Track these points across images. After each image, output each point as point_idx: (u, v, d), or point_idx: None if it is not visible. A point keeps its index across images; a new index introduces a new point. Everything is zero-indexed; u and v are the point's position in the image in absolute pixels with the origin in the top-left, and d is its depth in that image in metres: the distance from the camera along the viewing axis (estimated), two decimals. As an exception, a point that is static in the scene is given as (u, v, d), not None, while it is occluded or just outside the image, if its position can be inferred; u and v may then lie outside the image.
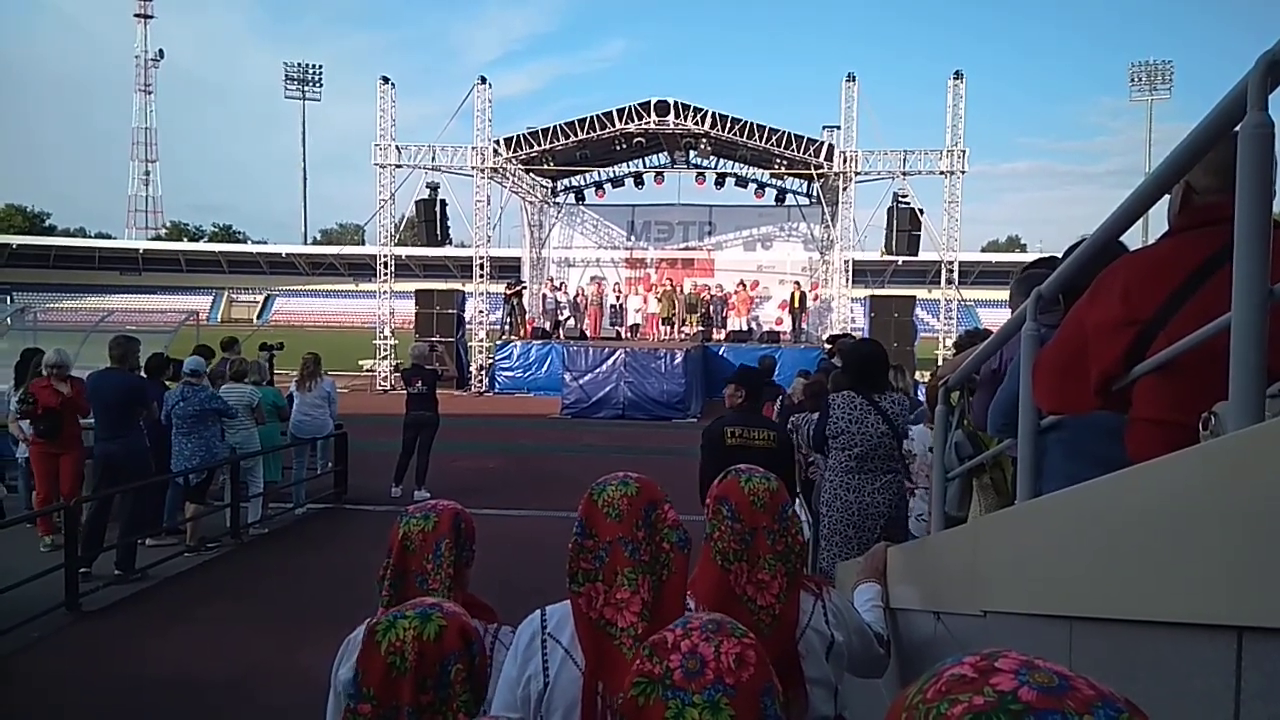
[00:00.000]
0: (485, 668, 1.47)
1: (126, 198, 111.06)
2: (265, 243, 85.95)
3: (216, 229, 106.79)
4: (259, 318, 69.26)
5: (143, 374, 8.17)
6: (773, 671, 1.09)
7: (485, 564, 2.40)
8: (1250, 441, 1.13)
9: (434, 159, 23.94)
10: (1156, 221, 1.91)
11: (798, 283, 25.77)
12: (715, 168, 26.43)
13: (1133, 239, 2.18)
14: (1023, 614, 1.82)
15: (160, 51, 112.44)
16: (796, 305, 24.74)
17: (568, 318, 25.35)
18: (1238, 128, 1.33)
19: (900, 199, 23.00)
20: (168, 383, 8.67)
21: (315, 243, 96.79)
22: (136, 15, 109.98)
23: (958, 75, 22.64)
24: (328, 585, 7.10)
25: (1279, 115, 1.31)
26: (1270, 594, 1.01)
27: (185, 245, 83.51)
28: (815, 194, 25.89)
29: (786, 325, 25.79)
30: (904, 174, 22.99)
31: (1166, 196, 1.81)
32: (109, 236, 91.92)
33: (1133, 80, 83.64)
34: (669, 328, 24.50)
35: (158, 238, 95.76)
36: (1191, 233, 1.77)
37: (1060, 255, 2.56)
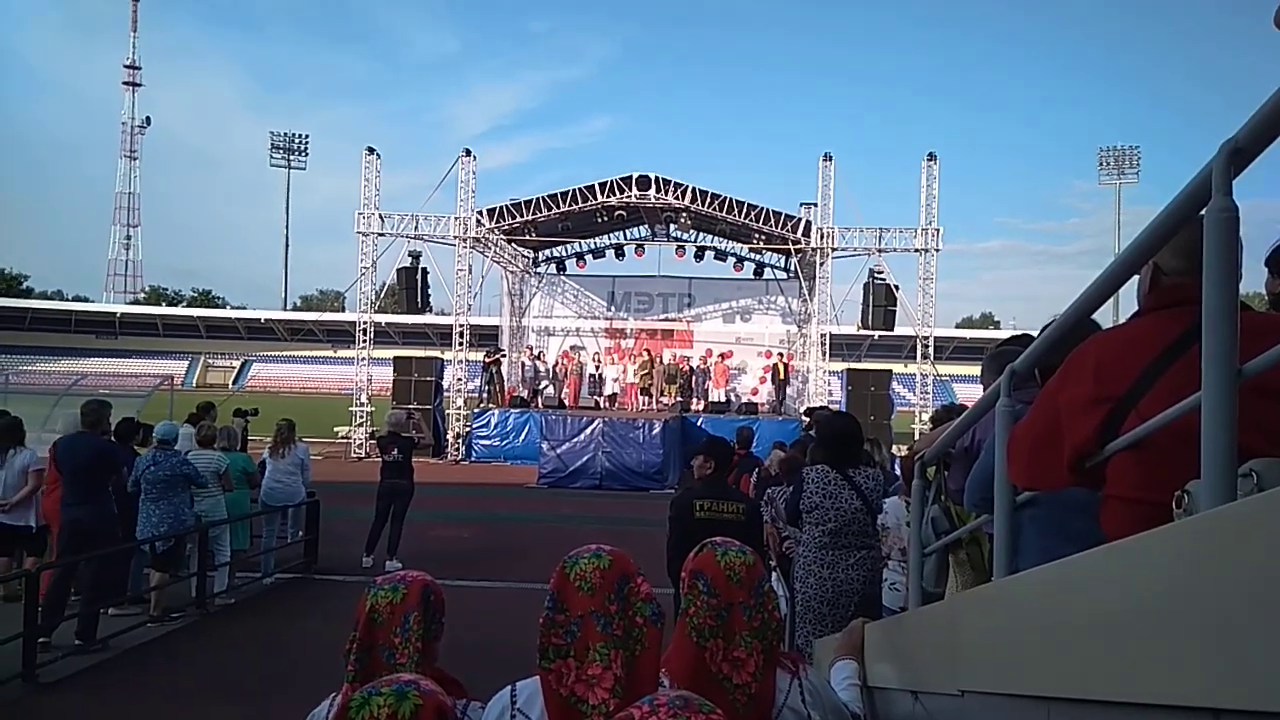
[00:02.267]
0: None
1: (106, 261, 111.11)
2: (244, 308, 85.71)
3: (195, 294, 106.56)
4: (235, 383, 68.73)
5: (113, 439, 8.05)
6: None
7: (456, 637, 2.35)
8: (1222, 521, 1.14)
9: (417, 228, 24.12)
10: (1127, 301, 1.94)
11: (781, 354, 25.98)
12: (695, 241, 26.77)
13: (1104, 318, 2.21)
14: (1000, 694, 1.80)
15: (147, 118, 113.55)
16: (781, 377, 24.87)
17: (546, 386, 25.31)
18: (1203, 211, 1.36)
19: (876, 275, 23.36)
20: (137, 448, 8.54)
21: (295, 308, 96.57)
22: (125, 83, 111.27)
23: (931, 157, 23.21)
24: (294, 658, 6.92)
25: (1243, 199, 1.34)
26: (1245, 675, 1.00)
27: (163, 309, 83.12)
28: (793, 268, 26.22)
29: (763, 397, 25.89)
30: (880, 251, 23.38)
31: (1136, 277, 1.84)
32: (86, 299, 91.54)
33: (1102, 164, 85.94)
34: (647, 398, 24.51)
35: (136, 301, 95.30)
36: (1161, 312, 1.80)
37: (1035, 333, 2.59)
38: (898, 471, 7.14)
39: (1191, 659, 1.11)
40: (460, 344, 24.25)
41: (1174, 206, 1.47)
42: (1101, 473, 1.76)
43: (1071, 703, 1.46)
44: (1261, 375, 1.35)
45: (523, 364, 26.06)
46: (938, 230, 23.19)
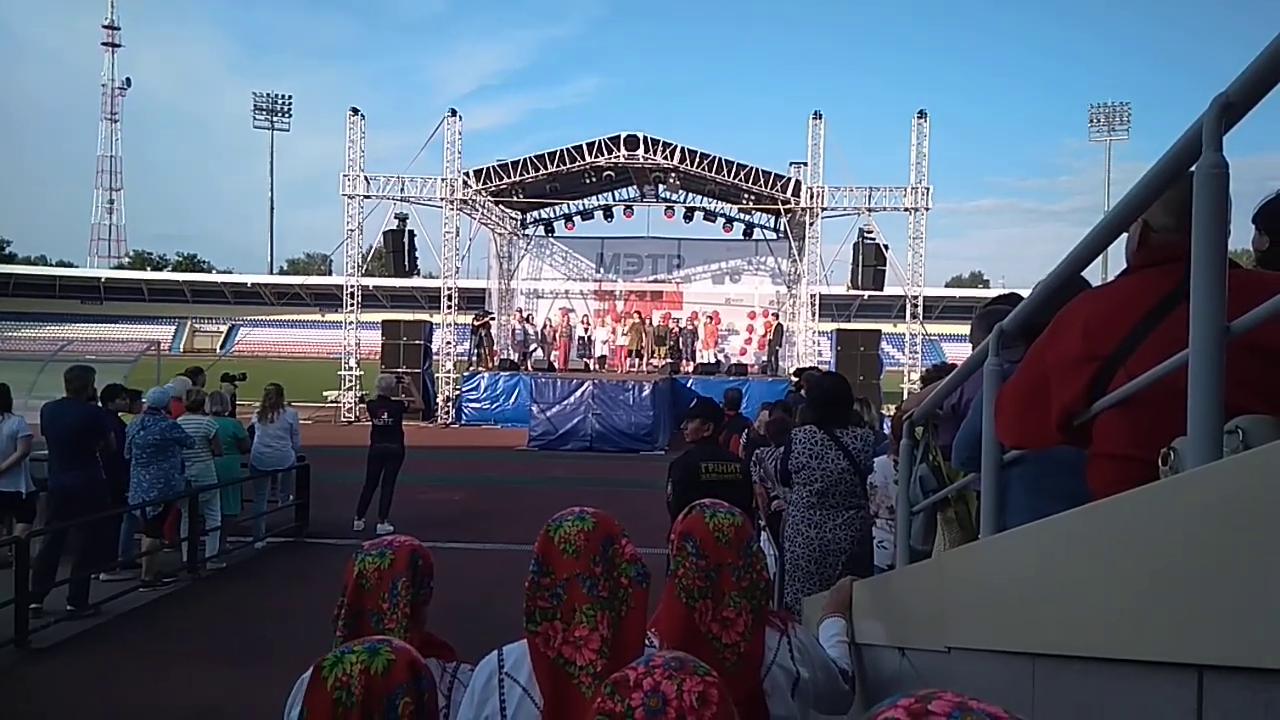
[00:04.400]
0: (435, 703, 1.44)
1: (90, 226, 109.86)
2: (230, 272, 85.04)
3: (181, 258, 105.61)
4: (222, 348, 68.27)
5: (99, 404, 8.01)
6: (734, 711, 1.07)
7: (447, 600, 2.35)
8: (1208, 478, 1.14)
9: (403, 190, 23.90)
10: (1115, 259, 1.93)
11: (776, 314, 25.98)
12: (684, 202, 26.62)
13: (1093, 276, 2.20)
14: (986, 650, 1.81)
15: (128, 80, 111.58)
16: (773, 338, 24.88)
17: (535, 349, 25.28)
18: (1193, 168, 1.35)
19: (866, 234, 23.30)
20: (123, 415, 8.50)
21: (281, 272, 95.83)
22: (104, 44, 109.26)
23: (922, 115, 23.05)
24: (286, 622, 6.95)
25: (1233, 156, 1.33)
26: (1229, 632, 1.01)
27: (148, 274, 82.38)
28: (782, 229, 26.14)
29: (750, 358, 25.92)
30: (869, 210, 23.30)
31: (1125, 234, 1.83)
32: (70, 265, 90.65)
33: (1092, 121, 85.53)
34: (637, 360, 24.52)
35: (121, 266, 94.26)
36: (1149, 270, 1.78)
37: (1026, 293, 2.58)
38: (888, 431, 7.17)
39: (1177, 616, 1.12)
40: (449, 307, 24.18)
41: (1164, 163, 1.45)
42: (1089, 431, 1.77)
43: (1057, 659, 1.47)
44: (1249, 333, 1.34)
45: (512, 327, 26.01)
46: (928, 189, 23.11)
